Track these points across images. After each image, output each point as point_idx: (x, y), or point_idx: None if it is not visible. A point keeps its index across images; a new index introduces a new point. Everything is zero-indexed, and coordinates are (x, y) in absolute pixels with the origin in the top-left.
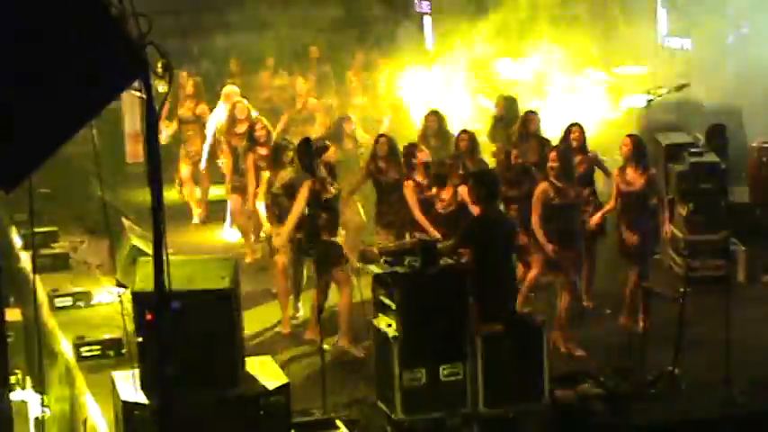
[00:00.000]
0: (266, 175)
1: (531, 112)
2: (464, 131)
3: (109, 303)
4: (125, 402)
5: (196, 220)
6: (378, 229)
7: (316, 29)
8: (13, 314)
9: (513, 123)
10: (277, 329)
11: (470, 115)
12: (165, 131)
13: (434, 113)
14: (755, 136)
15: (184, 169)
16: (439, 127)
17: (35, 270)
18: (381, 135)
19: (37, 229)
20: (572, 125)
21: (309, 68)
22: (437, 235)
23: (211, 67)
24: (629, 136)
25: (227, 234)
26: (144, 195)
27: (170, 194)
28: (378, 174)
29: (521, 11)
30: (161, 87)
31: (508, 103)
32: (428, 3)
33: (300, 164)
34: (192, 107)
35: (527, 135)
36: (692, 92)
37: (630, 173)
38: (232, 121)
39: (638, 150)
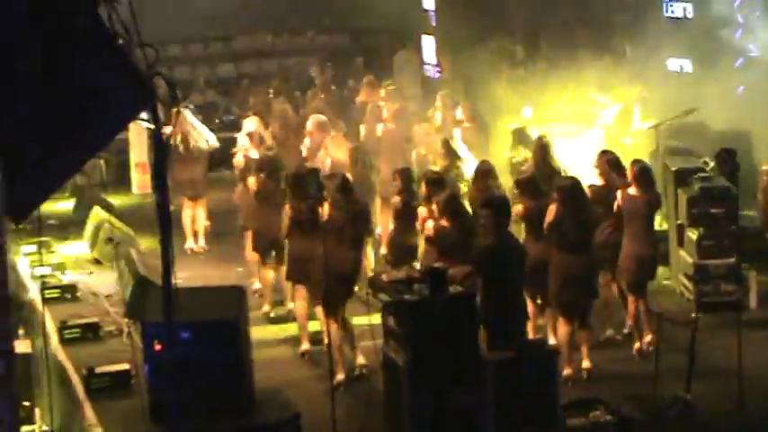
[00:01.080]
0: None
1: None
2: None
3: (118, 335)
4: None
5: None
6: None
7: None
8: (23, 346)
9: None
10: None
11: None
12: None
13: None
14: (765, 159)
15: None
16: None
17: (44, 301)
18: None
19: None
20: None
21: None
22: None
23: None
24: (634, 162)
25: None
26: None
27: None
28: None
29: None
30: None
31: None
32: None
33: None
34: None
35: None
36: (700, 115)
37: (636, 194)
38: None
39: (644, 176)
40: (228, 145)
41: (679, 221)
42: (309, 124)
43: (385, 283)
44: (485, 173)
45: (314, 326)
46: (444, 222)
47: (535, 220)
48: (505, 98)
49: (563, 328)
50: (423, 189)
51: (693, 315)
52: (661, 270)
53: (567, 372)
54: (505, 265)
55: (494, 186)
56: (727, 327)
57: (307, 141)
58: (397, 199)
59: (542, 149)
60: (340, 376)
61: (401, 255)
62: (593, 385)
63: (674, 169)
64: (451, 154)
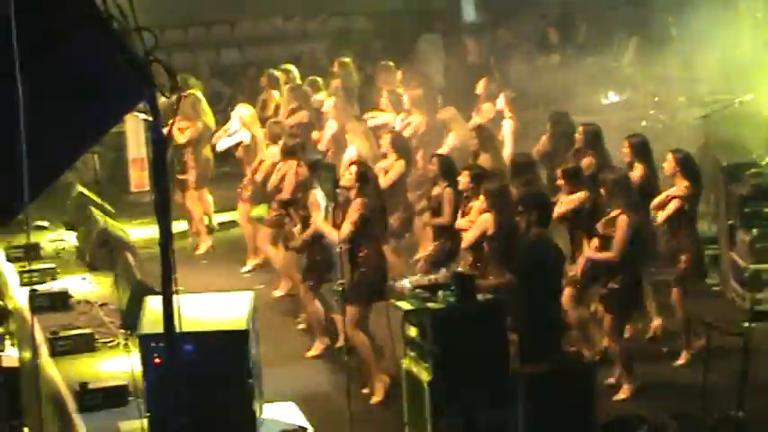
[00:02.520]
0: None
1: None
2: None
3: (114, 347)
4: None
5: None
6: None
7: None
8: (10, 359)
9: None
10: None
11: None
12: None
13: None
14: None
15: None
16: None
17: (33, 310)
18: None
19: (34, 266)
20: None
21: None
22: None
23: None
24: (673, 152)
25: None
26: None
27: None
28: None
29: None
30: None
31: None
32: None
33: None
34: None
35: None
36: (755, 105)
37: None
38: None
39: (684, 168)
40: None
41: (730, 222)
42: (327, 106)
43: (406, 290)
44: (526, 166)
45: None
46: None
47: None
48: (538, 86)
49: None
50: (464, 182)
51: (746, 324)
52: (711, 275)
53: None
54: (542, 270)
55: (534, 181)
56: None
57: (332, 125)
58: (448, 190)
59: (593, 138)
60: (375, 393)
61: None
62: (636, 402)
63: (724, 164)
64: (493, 146)
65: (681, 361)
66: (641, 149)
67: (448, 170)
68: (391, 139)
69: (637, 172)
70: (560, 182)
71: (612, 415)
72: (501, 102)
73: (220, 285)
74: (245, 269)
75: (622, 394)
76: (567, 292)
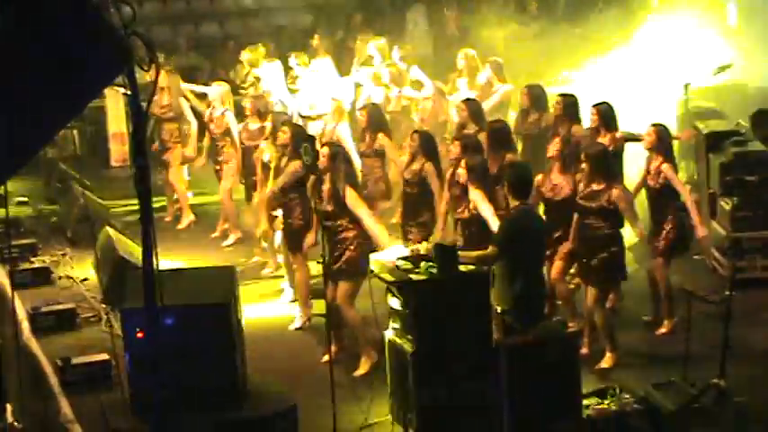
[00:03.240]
0: None
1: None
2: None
3: (95, 322)
4: (115, 431)
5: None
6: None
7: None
8: None
9: (544, 113)
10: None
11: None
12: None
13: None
14: None
15: None
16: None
17: (14, 286)
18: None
19: (14, 242)
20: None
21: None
22: None
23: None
24: (654, 125)
25: None
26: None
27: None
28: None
29: None
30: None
31: (536, 93)
32: None
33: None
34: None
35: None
36: (735, 74)
37: (654, 166)
38: None
39: (664, 141)
40: None
41: (711, 190)
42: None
43: (390, 262)
44: (502, 135)
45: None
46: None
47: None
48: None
49: None
50: (455, 151)
51: (727, 293)
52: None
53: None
54: (523, 241)
55: (510, 153)
56: (765, 305)
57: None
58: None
59: (570, 108)
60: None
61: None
62: (618, 372)
63: (705, 133)
64: (481, 117)
65: (663, 330)
66: (608, 117)
67: (427, 145)
68: (367, 113)
69: (604, 140)
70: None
71: (596, 384)
72: (486, 73)
73: (202, 259)
74: (226, 243)
75: (605, 363)
76: (558, 266)
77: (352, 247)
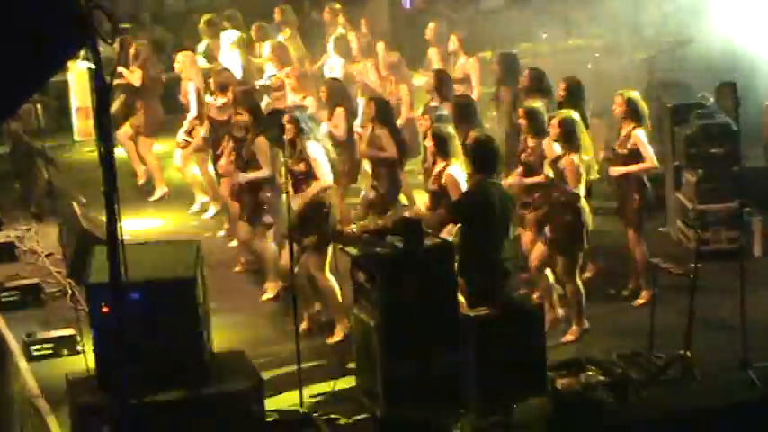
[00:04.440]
0: None
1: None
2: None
3: (60, 297)
4: (82, 406)
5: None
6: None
7: None
8: None
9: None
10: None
11: None
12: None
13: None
14: None
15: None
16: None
17: None
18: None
19: None
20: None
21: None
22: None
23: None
24: (622, 94)
25: None
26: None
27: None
28: None
29: None
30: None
31: (510, 61)
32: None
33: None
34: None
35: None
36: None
37: (624, 133)
38: None
39: (632, 108)
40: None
41: (676, 163)
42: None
43: (354, 236)
44: (467, 109)
45: None
46: None
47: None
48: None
49: None
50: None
51: (692, 265)
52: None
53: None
54: (485, 214)
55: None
56: (729, 277)
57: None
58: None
59: (538, 80)
60: (335, 333)
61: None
62: (585, 344)
63: (670, 105)
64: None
65: (641, 300)
66: (575, 91)
67: (383, 112)
68: (327, 88)
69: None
70: (522, 121)
71: (562, 356)
72: (452, 44)
73: (169, 232)
74: (207, 215)
75: (571, 336)
76: (528, 236)
77: (319, 217)
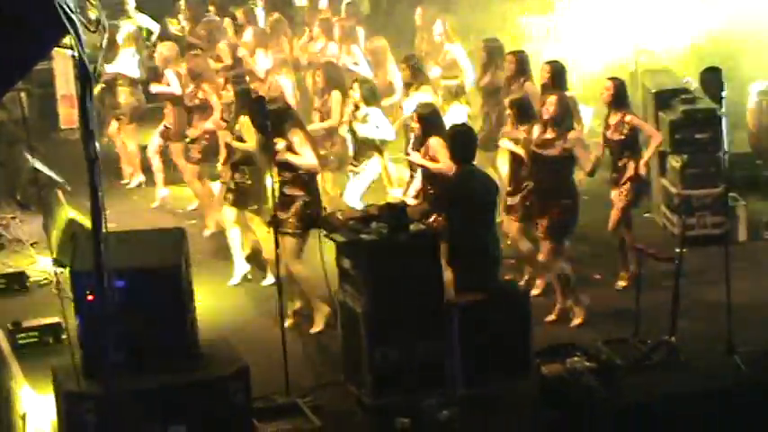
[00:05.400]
0: None
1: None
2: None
3: (45, 285)
4: (67, 394)
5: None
6: None
7: None
8: None
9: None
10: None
11: None
12: None
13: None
14: (755, 78)
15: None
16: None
17: None
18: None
19: None
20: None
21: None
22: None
23: None
24: (611, 79)
25: None
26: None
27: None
28: None
29: None
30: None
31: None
32: None
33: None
34: None
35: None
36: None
37: (614, 120)
38: None
39: (621, 95)
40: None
41: (660, 148)
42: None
43: (339, 222)
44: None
45: None
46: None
47: None
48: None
49: None
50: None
51: (677, 250)
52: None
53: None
54: (470, 200)
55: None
56: (714, 262)
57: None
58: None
59: (522, 65)
60: (315, 323)
61: None
62: (570, 329)
63: (654, 91)
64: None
65: (623, 283)
66: (560, 75)
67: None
68: (324, 72)
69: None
70: (509, 112)
71: (548, 342)
72: (439, 28)
73: (153, 222)
74: (190, 207)
75: (578, 318)
76: (516, 225)
77: (298, 203)
